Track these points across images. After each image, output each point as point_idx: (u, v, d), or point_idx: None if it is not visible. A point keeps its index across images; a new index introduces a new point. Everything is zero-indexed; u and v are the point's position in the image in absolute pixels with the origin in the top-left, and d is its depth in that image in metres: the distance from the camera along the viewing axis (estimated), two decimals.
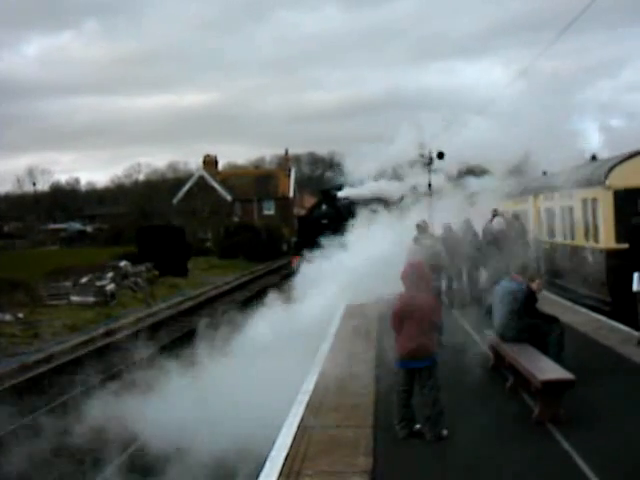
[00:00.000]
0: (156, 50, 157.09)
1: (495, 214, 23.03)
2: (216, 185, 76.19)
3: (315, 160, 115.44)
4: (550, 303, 17.49)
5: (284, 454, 8.12)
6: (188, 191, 75.51)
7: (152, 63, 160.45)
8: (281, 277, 39.00)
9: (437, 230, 18.89)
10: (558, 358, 10.08)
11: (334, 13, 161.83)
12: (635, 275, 12.68)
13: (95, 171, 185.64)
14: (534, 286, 11.24)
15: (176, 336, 22.74)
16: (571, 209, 19.92)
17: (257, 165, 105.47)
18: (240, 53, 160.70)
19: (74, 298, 28.91)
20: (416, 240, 14.69)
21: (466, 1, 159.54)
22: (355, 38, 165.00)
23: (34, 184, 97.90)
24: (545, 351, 10.22)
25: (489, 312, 11.38)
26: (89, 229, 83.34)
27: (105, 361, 19.40)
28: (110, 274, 32.81)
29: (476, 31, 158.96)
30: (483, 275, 19.68)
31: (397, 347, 8.66)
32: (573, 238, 19.91)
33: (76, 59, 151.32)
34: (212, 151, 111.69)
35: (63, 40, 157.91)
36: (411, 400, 8.61)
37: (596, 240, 17.84)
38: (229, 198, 75.32)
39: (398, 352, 8.63)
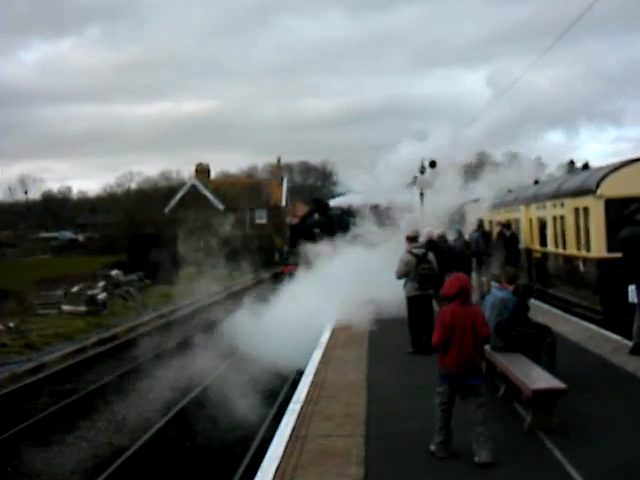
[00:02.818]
0: (156, 57, 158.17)
1: (481, 224, 23.12)
2: (208, 194, 76.16)
3: (307, 169, 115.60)
4: (542, 312, 17.52)
5: (276, 464, 8.08)
6: (180, 200, 75.44)
7: (151, 70, 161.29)
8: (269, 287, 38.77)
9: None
10: (550, 367, 10.08)
11: (336, 20, 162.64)
12: (630, 287, 12.69)
13: (89, 179, 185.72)
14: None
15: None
16: (563, 218, 19.96)
17: (249, 174, 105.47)
18: (240, 60, 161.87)
19: (65, 307, 28.80)
20: (408, 250, 14.68)
21: (466, 9, 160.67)
22: (355, 46, 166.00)
23: (26, 192, 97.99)
24: (537, 360, 10.22)
25: None
26: (80, 238, 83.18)
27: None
28: (101, 283, 32.72)
29: (476, 39, 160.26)
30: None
31: (444, 363, 8.09)
32: (565, 247, 19.95)
33: (75, 67, 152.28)
34: (205, 160, 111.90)
35: (63, 47, 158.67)
36: (451, 419, 8.18)
37: (587, 249, 17.88)
38: (221, 207, 75.29)
39: (446, 369, 8.08)
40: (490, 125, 25.37)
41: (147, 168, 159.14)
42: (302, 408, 10.35)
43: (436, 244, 16.12)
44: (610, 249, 16.22)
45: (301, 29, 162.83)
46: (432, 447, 8.18)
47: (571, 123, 23.67)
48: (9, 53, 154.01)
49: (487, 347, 11.01)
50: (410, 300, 14.18)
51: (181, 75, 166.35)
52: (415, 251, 14.45)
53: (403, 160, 28.85)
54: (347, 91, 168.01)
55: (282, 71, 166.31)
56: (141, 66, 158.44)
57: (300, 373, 13.43)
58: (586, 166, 22.75)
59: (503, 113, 24.39)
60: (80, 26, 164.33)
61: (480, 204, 29.74)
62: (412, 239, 14.99)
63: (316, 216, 35.18)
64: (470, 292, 8.33)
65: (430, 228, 17.30)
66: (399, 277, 14.54)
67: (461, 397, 8.13)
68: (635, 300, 12.63)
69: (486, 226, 24.85)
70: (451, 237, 20.82)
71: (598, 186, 17.26)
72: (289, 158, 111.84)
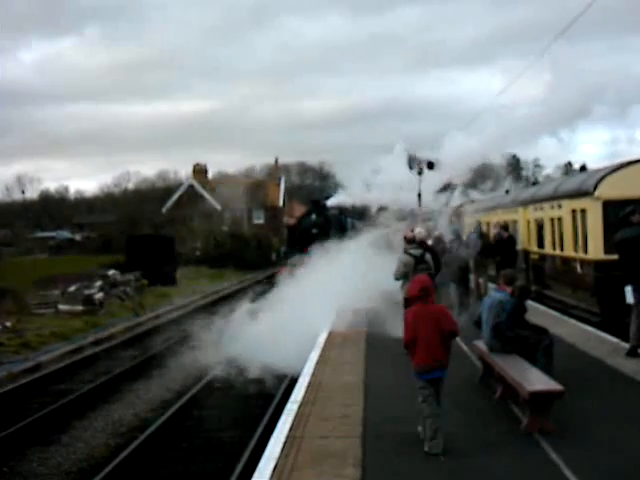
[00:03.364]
0: (154, 58, 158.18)
1: (478, 225, 23.14)
2: (206, 194, 76.17)
3: (305, 170, 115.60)
4: (539, 314, 17.52)
5: (272, 464, 8.08)
6: (178, 200, 75.47)
7: (150, 71, 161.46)
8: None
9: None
10: (547, 369, 10.09)
11: (336, 21, 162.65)
12: (627, 288, 12.70)
13: (87, 179, 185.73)
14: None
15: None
16: (560, 220, 19.97)
17: (247, 174, 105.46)
18: (239, 61, 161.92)
19: (62, 307, 28.73)
20: (405, 251, 14.69)
21: (465, 11, 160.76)
22: (354, 47, 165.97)
23: (23, 192, 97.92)
24: (534, 362, 10.23)
25: (478, 323, 11.38)
26: (78, 237, 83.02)
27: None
28: (98, 283, 32.63)
29: (475, 40, 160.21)
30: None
31: (418, 359, 8.47)
32: (562, 249, 19.95)
33: (74, 66, 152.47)
34: (203, 160, 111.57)
35: (62, 46, 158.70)
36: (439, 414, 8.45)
37: (585, 251, 17.89)
38: (219, 207, 75.27)
39: (419, 366, 8.45)
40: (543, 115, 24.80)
41: (144, 168, 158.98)
42: (299, 409, 10.36)
43: (427, 245, 16.12)
44: (607, 251, 16.23)
45: (300, 30, 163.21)
46: (426, 447, 8.28)
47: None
48: (8, 52, 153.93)
49: (485, 349, 11.05)
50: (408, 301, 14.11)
51: (180, 75, 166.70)
52: (412, 252, 14.45)
53: (454, 156, 28.45)
54: (346, 92, 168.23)
55: (281, 71, 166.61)
56: (139, 66, 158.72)
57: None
58: (584, 168, 22.68)
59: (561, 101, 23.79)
60: (80, 26, 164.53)
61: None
62: (410, 240, 14.99)
63: (313, 217, 35.16)
64: (432, 292, 8.76)
65: (420, 229, 17.28)
66: (397, 278, 14.53)
67: None
68: (632, 301, 12.64)
69: (482, 227, 24.85)
70: (448, 238, 20.84)
71: (596, 188, 17.28)
72: (287, 159, 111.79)
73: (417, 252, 14.46)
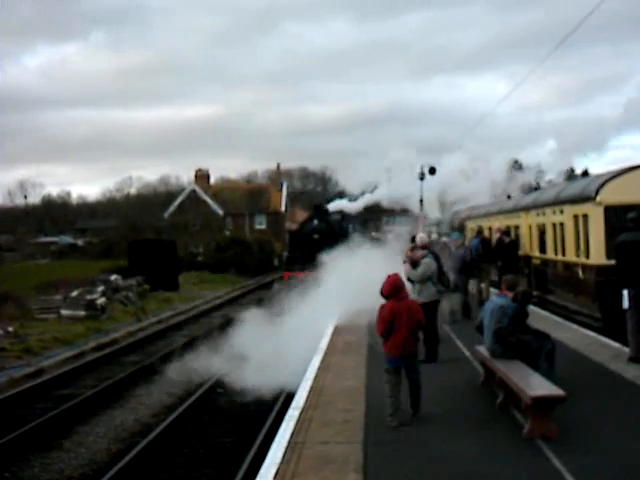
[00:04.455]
0: (159, 63, 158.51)
1: (480, 231, 23.12)
2: (208, 199, 76.20)
3: (307, 175, 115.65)
4: (541, 319, 17.51)
5: (274, 470, 8.07)
6: (180, 205, 75.51)
7: (154, 76, 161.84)
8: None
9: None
10: (549, 374, 10.07)
11: (340, 27, 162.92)
12: (625, 293, 12.68)
13: (89, 184, 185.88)
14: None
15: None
16: (562, 225, 19.97)
17: (249, 179, 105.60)
18: (242, 66, 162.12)
19: (64, 312, 28.76)
20: (423, 255, 14.66)
21: (470, 17, 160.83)
22: (358, 52, 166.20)
23: (25, 197, 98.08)
24: (536, 367, 10.21)
25: (479, 328, 11.37)
26: (80, 242, 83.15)
27: None
28: (101, 288, 32.68)
29: (479, 46, 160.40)
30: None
31: (388, 349, 9.69)
32: (564, 254, 19.95)
33: (78, 71, 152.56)
34: (205, 165, 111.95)
35: (67, 52, 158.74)
36: (399, 394, 9.66)
37: (587, 256, 17.88)
38: (221, 212, 75.33)
39: (390, 353, 9.69)
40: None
41: (147, 173, 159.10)
42: (301, 414, 10.35)
43: (432, 250, 16.11)
44: (609, 256, 16.23)
45: (304, 35, 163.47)
46: (388, 419, 9.52)
47: None
48: (13, 57, 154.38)
49: (486, 354, 11.04)
50: (429, 305, 13.31)
51: (184, 81, 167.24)
52: (431, 256, 14.43)
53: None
54: (350, 97, 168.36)
55: (285, 77, 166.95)
56: (143, 71, 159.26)
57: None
58: (585, 173, 22.69)
59: None
60: (84, 31, 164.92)
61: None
62: (414, 247, 14.96)
63: (315, 222, 35.13)
64: (403, 288, 9.88)
65: (422, 234, 17.28)
66: (419, 282, 14.26)
67: (405, 370, 9.76)
68: (627, 306, 12.61)
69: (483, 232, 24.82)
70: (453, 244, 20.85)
71: (597, 193, 17.28)
72: (289, 164, 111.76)
73: (432, 257, 14.49)
